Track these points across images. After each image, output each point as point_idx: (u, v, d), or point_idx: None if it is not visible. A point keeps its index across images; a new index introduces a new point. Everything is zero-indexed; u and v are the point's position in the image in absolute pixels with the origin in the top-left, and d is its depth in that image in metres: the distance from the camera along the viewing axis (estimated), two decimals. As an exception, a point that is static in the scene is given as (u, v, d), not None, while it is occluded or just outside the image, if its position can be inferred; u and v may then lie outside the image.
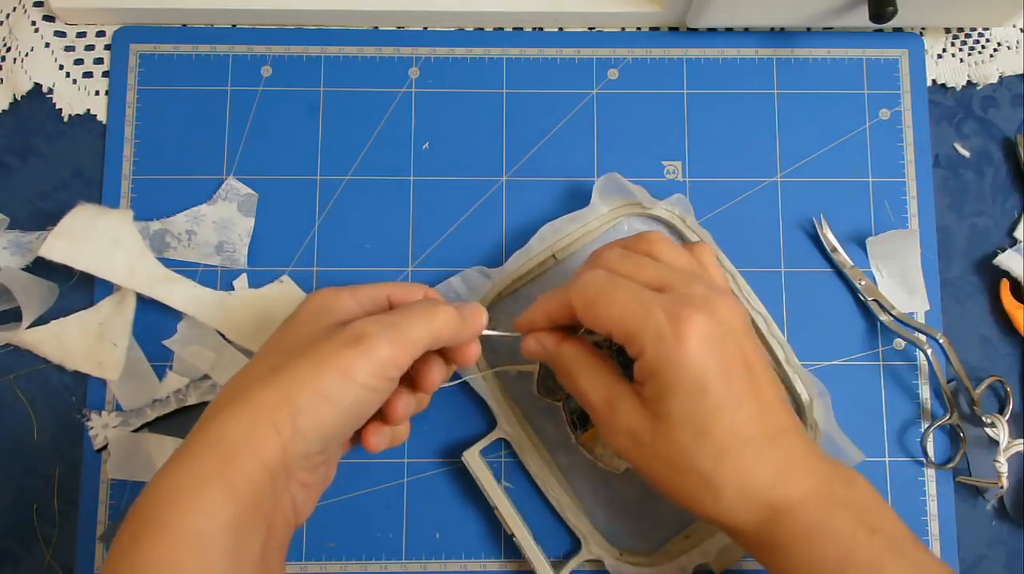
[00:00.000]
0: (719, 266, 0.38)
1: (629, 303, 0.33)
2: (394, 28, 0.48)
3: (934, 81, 0.48)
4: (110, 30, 0.48)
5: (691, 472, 0.33)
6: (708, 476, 0.32)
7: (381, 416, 0.36)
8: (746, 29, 0.49)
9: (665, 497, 0.35)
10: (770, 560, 0.33)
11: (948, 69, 0.48)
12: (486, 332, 0.38)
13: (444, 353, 0.37)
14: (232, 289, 0.45)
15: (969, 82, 0.48)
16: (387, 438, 0.37)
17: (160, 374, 0.45)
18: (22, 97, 0.47)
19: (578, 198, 0.46)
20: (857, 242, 0.46)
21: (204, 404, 0.44)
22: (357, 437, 0.37)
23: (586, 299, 0.34)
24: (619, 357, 0.38)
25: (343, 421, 0.32)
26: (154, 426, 0.44)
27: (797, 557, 0.32)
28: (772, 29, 0.49)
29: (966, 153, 0.48)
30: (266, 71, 0.47)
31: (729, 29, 0.49)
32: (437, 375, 0.37)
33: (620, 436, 0.34)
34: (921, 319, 0.46)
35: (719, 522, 0.33)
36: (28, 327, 0.44)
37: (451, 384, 0.42)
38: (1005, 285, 0.46)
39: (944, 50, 0.49)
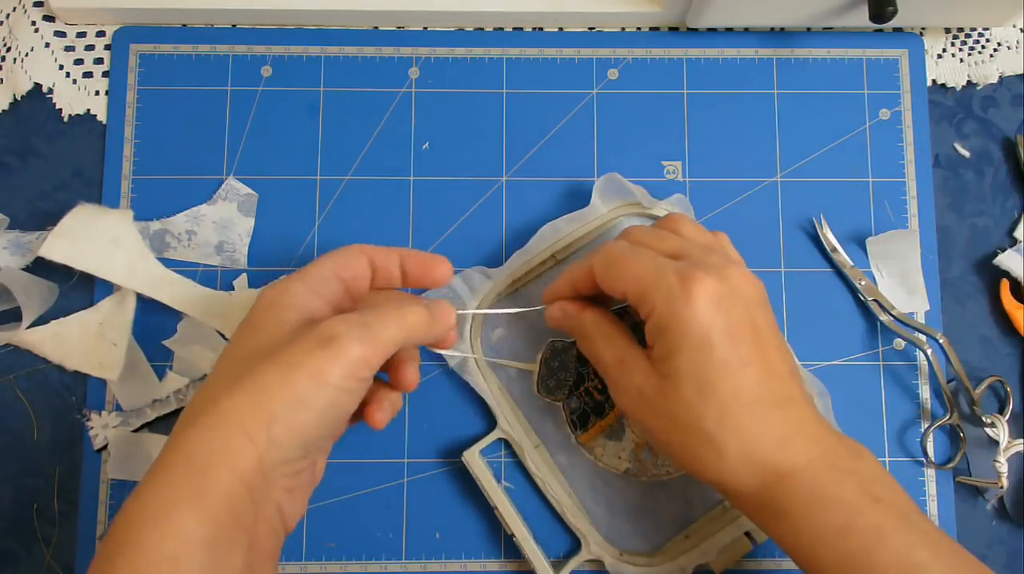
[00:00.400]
0: (736, 251, 0.39)
1: (645, 266, 0.34)
2: (394, 28, 0.48)
3: (934, 81, 0.48)
4: (110, 30, 0.48)
5: (695, 430, 0.33)
6: (711, 434, 0.32)
7: (359, 415, 0.37)
8: (746, 29, 0.49)
9: (669, 458, 0.35)
10: (771, 524, 0.33)
11: (948, 69, 0.48)
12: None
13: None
14: (232, 289, 0.45)
15: (969, 82, 0.48)
16: (389, 413, 0.37)
17: (160, 374, 0.45)
18: (22, 97, 0.47)
19: (578, 198, 0.46)
20: (857, 242, 0.46)
21: (204, 404, 0.44)
22: (356, 417, 0.37)
23: (605, 262, 0.36)
24: (635, 332, 0.38)
25: (320, 424, 0.32)
26: (154, 426, 0.44)
27: (799, 522, 0.32)
28: (772, 29, 0.49)
29: (966, 153, 0.48)
30: (266, 71, 0.47)
31: (729, 29, 0.49)
32: (412, 374, 0.37)
33: (629, 393, 0.35)
34: (921, 319, 0.46)
35: (721, 484, 0.33)
36: (28, 327, 0.44)
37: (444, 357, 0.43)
38: (1005, 285, 0.46)
39: (944, 50, 0.49)
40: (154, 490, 0.30)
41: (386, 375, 0.38)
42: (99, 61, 0.48)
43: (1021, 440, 0.43)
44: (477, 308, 0.44)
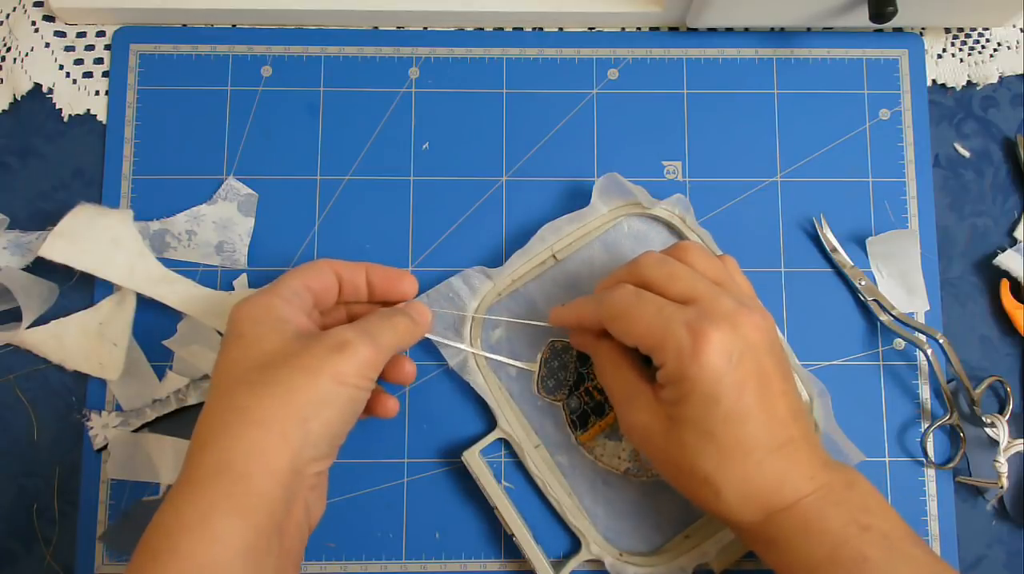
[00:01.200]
0: (744, 276, 0.39)
1: (653, 319, 0.35)
2: (394, 28, 0.48)
3: (934, 81, 0.48)
4: (110, 30, 0.48)
5: (694, 471, 0.35)
6: (709, 476, 0.34)
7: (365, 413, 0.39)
8: (746, 29, 0.49)
9: (675, 489, 0.37)
10: (766, 553, 0.35)
11: (948, 69, 0.48)
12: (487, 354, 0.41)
13: None
14: (232, 289, 0.45)
15: (969, 82, 0.48)
16: (395, 403, 0.41)
17: (160, 374, 0.45)
18: (22, 97, 0.47)
19: (578, 198, 0.46)
20: (857, 242, 0.46)
21: (203, 404, 0.44)
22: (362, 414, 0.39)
23: (612, 315, 0.36)
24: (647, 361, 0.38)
25: (343, 421, 0.35)
26: (154, 426, 0.44)
27: (791, 553, 0.34)
28: (772, 29, 0.49)
29: (966, 153, 0.48)
30: (266, 71, 0.47)
31: (729, 29, 0.49)
32: (409, 366, 0.41)
33: (635, 429, 0.37)
34: (921, 319, 0.46)
35: (719, 516, 0.35)
36: (28, 327, 0.44)
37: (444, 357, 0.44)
38: (1005, 285, 0.46)
39: (944, 50, 0.49)
40: (190, 498, 0.31)
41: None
42: (99, 61, 0.48)
43: (1021, 440, 0.43)
44: (477, 308, 0.44)
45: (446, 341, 0.43)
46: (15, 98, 0.47)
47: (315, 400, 0.33)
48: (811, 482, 0.34)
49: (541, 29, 0.49)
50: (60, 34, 0.48)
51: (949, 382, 0.44)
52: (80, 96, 0.47)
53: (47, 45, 0.48)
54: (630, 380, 0.37)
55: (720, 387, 0.33)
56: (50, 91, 0.47)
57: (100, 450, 0.44)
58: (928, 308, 0.45)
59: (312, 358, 0.34)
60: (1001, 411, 0.44)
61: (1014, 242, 0.47)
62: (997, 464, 0.43)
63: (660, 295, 0.36)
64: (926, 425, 0.45)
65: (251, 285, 0.45)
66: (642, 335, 0.35)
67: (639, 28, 0.49)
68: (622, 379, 0.38)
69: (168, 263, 0.45)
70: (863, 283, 0.45)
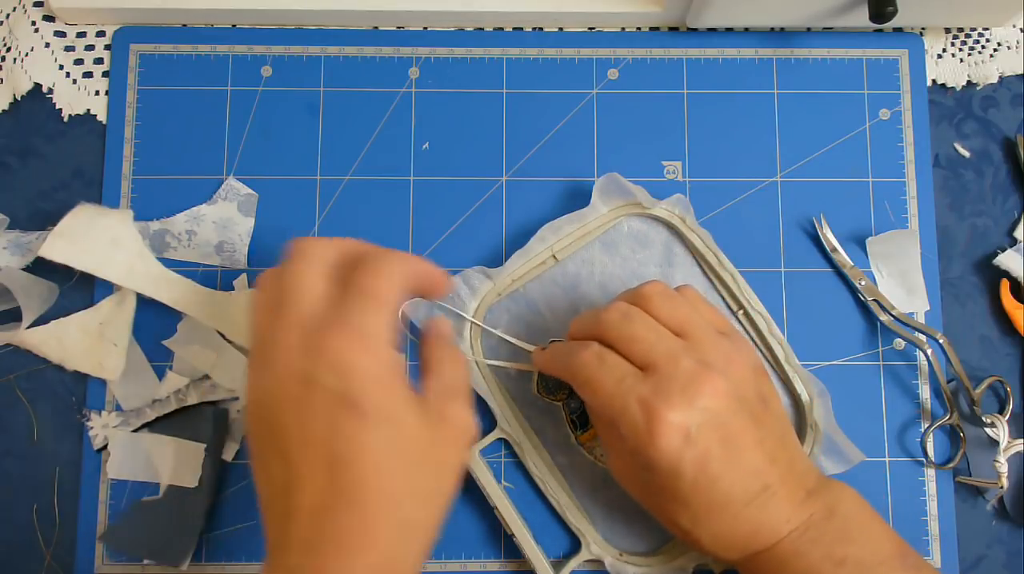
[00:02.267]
0: (709, 303, 0.39)
1: (611, 392, 0.34)
2: (394, 28, 0.48)
3: (934, 81, 0.48)
4: (110, 30, 0.48)
5: (674, 523, 0.36)
6: (687, 530, 0.36)
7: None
8: (746, 29, 0.49)
9: None
10: None
11: (948, 69, 0.48)
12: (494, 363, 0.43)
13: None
14: (232, 289, 0.45)
15: (969, 82, 0.48)
16: None
17: (160, 374, 0.45)
18: (22, 97, 0.47)
19: (578, 198, 0.46)
20: (857, 242, 0.46)
21: (204, 404, 0.44)
22: None
23: (576, 380, 0.36)
24: None
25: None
26: (154, 426, 0.44)
27: None
28: (772, 29, 0.49)
29: (966, 153, 0.48)
30: (266, 71, 0.47)
31: (729, 29, 0.49)
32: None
33: (616, 473, 0.39)
34: (921, 319, 0.46)
35: (706, 555, 0.38)
36: (28, 327, 0.44)
37: None
38: (1005, 285, 0.46)
39: (944, 50, 0.49)
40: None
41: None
42: (99, 61, 0.48)
43: (1021, 440, 0.43)
44: (477, 308, 0.44)
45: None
46: (15, 98, 0.47)
47: (451, 500, 0.33)
48: (787, 524, 0.35)
49: (541, 29, 0.49)
50: (60, 34, 0.48)
51: (949, 382, 0.44)
52: (80, 96, 0.47)
53: (47, 45, 0.48)
54: (610, 431, 0.37)
55: (681, 464, 0.33)
56: (50, 91, 0.47)
57: (100, 450, 0.44)
58: (928, 308, 0.45)
59: (450, 452, 0.33)
60: (1001, 411, 0.44)
61: (1014, 242, 0.47)
62: (997, 464, 0.43)
63: (622, 354, 0.35)
64: (926, 425, 0.45)
65: (251, 285, 0.45)
66: (602, 406, 0.35)
67: (639, 28, 0.49)
68: (601, 426, 0.38)
69: (168, 263, 0.45)
70: (863, 283, 0.45)
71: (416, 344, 0.44)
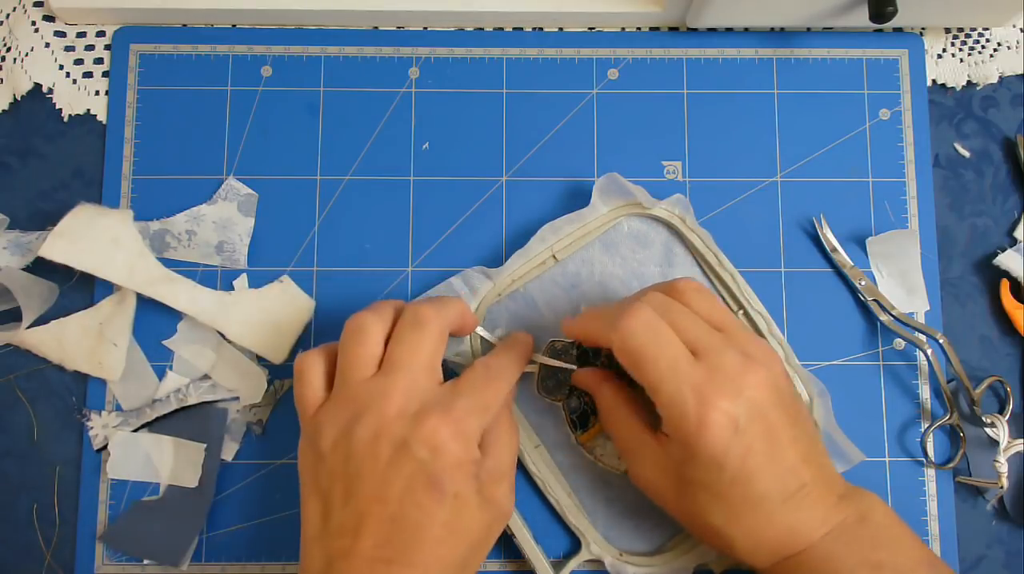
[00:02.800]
0: (723, 307, 0.38)
1: (663, 372, 0.34)
2: (394, 28, 0.48)
3: (934, 81, 0.48)
4: (110, 30, 0.48)
5: (706, 526, 0.35)
6: (721, 530, 0.35)
7: None
8: (746, 29, 0.49)
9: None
10: None
11: (948, 69, 0.48)
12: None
13: None
14: (232, 289, 0.45)
15: (969, 82, 0.48)
16: None
17: (160, 374, 0.45)
18: (22, 97, 0.47)
19: (578, 198, 0.46)
20: (857, 242, 0.46)
21: (204, 404, 0.44)
22: None
23: (627, 352, 0.35)
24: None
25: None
26: (154, 426, 0.44)
27: None
28: (772, 29, 0.49)
29: (966, 153, 0.48)
30: (266, 71, 0.47)
31: (729, 29, 0.49)
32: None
33: (641, 482, 0.38)
34: (921, 319, 0.46)
35: (734, 560, 0.36)
36: (28, 327, 0.44)
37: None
38: (1005, 285, 0.46)
39: (944, 50, 0.49)
40: None
41: None
42: (99, 61, 0.48)
43: (1021, 440, 0.43)
44: (477, 309, 0.44)
45: (458, 359, 0.43)
46: (15, 98, 0.47)
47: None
48: (823, 526, 0.34)
49: (541, 29, 0.49)
50: (60, 34, 0.48)
51: (949, 382, 0.44)
52: (80, 96, 0.47)
53: (47, 45, 0.48)
54: (635, 432, 0.37)
55: (726, 457, 0.33)
56: (50, 91, 0.47)
57: (100, 450, 0.44)
58: (928, 308, 0.45)
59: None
60: (1001, 411, 0.44)
61: (1014, 242, 0.47)
62: (997, 464, 0.43)
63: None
64: (926, 425, 0.45)
65: (251, 285, 0.45)
66: (652, 383, 0.34)
67: (639, 28, 0.49)
68: (627, 429, 0.38)
69: (168, 263, 0.45)
70: (863, 283, 0.45)
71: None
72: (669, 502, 0.37)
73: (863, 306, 0.46)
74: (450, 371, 0.44)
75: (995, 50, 0.49)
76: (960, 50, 0.49)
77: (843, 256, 0.46)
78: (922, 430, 0.45)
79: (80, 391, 0.45)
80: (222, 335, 0.44)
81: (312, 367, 0.36)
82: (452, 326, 0.38)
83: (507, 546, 0.44)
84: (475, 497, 0.34)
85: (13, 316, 0.45)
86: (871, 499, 0.35)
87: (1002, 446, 0.43)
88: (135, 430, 0.44)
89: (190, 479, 0.43)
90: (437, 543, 0.33)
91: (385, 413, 0.34)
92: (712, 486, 0.34)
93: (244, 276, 0.46)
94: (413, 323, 0.36)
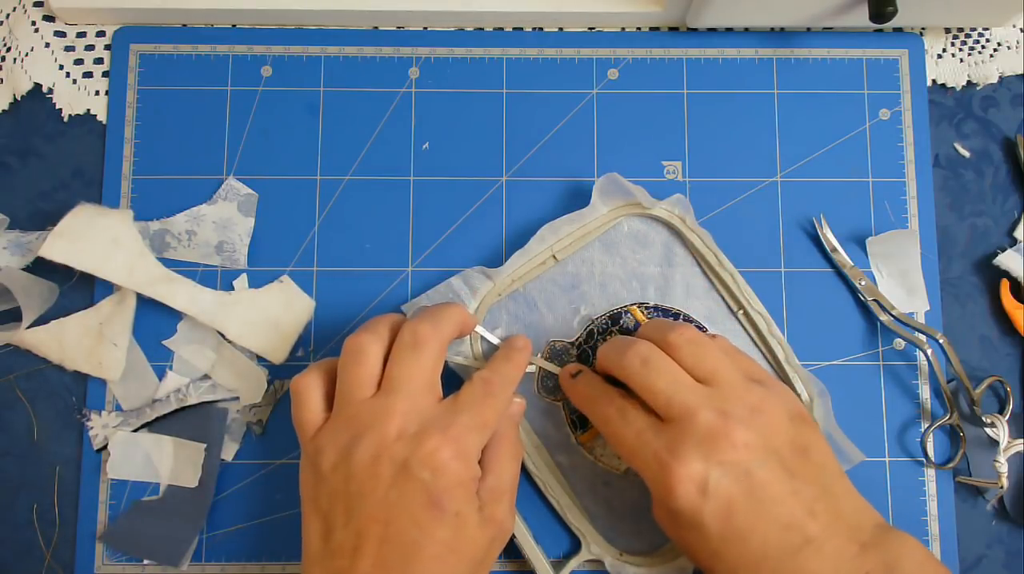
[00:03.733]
0: (743, 353, 0.39)
1: (631, 446, 0.35)
2: (394, 28, 0.48)
3: (934, 81, 0.48)
4: (110, 30, 0.48)
5: (714, 572, 0.35)
6: None
7: None
8: (746, 29, 0.49)
9: None
10: None
11: (948, 69, 0.48)
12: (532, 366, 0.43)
13: None
14: (232, 289, 0.45)
15: (969, 82, 0.48)
16: None
17: (160, 374, 0.45)
18: (22, 97, 0.47)
19: (578, 198, 0.46)
20: (857, 242, 0.46)
21: (204, 404, 0.44)
22: None
23: (603, 432, 0.37)
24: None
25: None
26: (154, 426, 0.44)
27: None
28: (772, 29, 0.49)
29: (966, 153, 0.48)
30: (266, 71, 0.47)
31: (729, 29, 0.49)
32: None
33: (655, 519, 0.37)
34: (921, 319, 0.46)
35: None
36: (28, 327, 0.44)
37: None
38: (1005, 285, 0.46)
39: (944, 50, 0.49)
40: None
41: None
42: (99, 61, 0.48)
43: (1021, 440, 0.43)
44: (477, 309, 0.44)
45: (458, 359, 0.43)
46: (15, 98, 0.47)
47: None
48: None
49: (541, 29, 0.49)
50: (60, 34, 0.48)
51: (949, 382, 0.44)
52: (80, 96, 0.47)
53: (47, 45, 0.48)
54: (643, 477, 0.37)
55: (702, 517, 0.33)
56: (50, 91, 0.47)
57: (100, 450, 0.44)
58: (928, 308, 0.45)
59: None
60: (1001, 411, 0.44)
61: (1014, 242, 0.47)
62: (997, 464, 0.43)
63: (647, 400, 0.36)
64: (926, 425, 0.45)
65: (251, 285, 0.45)
66: (625, 457, 0.36)
67: (639, 28, 0.49)
68: (638, 464, 0.37)
69: (168, 263, 0.45)
70: (863, 283, 0.45)
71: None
72: (677, 542, 0.37)
73: (863, 306, 0.46)
74: (450, 371, 0.44)
75: (995, 50, 0.49)
76: (960, 50, 0.49)
77: (843, 256, 0.46)
78: (922, 430, 0.45)
79: (80, 391, 0.45)
80: (222, 335, 0.44)
81: (309, 389, 0.36)
82: (451, 338, 0.38)
83: (507, 546, 0.44)
84: (475, 515, 0.34)
85: (13, 316, 0.45)
86: (902, 545, 0.33)
87: (1002, 446, 0.43)
88: (135, 430, 0.44)
89: (190, 479, 0.43)
90: (437, 562, 0.33)
91: (385, 434, 0.34)
92: (704, 544, 0.34)
93: (244, 276, 0.46)
94: (411, 344, 0.36)
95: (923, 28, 0.49)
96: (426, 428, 0.34)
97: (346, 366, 0.36)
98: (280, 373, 0.45)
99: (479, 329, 0.43)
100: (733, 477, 0.33)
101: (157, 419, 0.44)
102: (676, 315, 0.44)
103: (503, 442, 0.38)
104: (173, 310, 0.44)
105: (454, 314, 0.38)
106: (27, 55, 0.47)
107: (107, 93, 0.47)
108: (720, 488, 0.33)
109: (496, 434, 0.38)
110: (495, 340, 0.43)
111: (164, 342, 0.45)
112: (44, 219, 0.46)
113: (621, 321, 0.44)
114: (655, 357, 0.36)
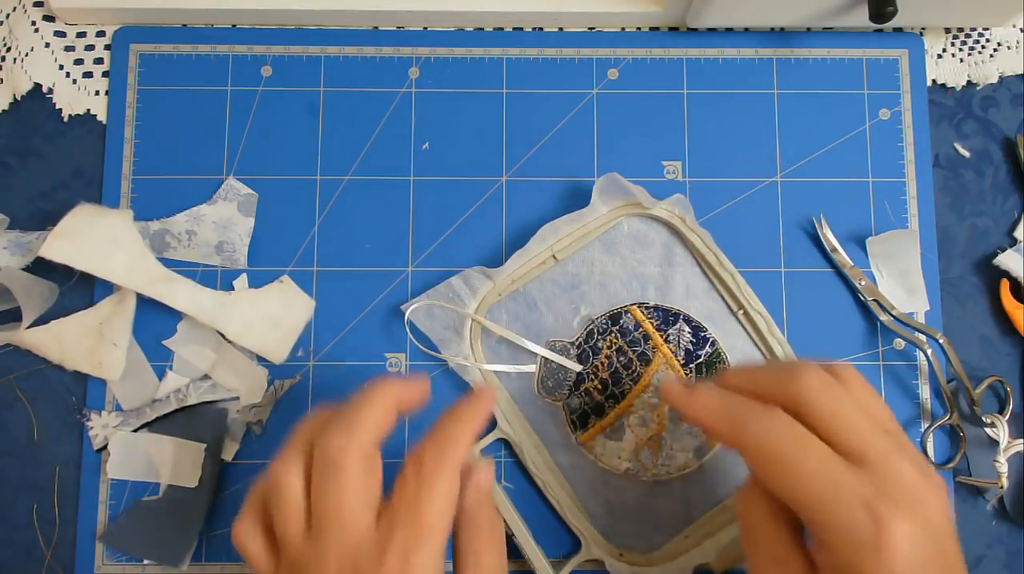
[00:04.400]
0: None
1: (816, 477, 0.29)
2: (394, 28, 0.48)
3: (934, 81, 0.48)
4: (110, 30, 0.48)
5: None
6: None
7: None
8: (746, 29, 0.49)
9: None
10: None
11: (948, 69, 0.48)
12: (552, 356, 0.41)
13: None
14: (232, 289, 0.45)
15: (969, 82, 0.48)
16: None
17: (160, 374, 0.45)
18: (22, 97, 0.47)
19: (578, 198, 0.46)
20: (857, 242, 0.46)
21: (204, 404, 0.44)
22: None
23: (759, 454, 0.30)
24: None
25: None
26: (154, 426, 0.44)
27: None
28: (772, 29, 0.49)
29: (966, 153, 0.48)
30: (266, 71, 0.47)
31: (729, 29, 0.49)
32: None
33: None
34: (921, 319, 0.46)
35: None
36: (28, 327, 0.44)
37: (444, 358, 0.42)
38: (1005, 285, 0.46)
39: (944, 50, 0.49)
40: None
41: None
42: (99, 61, 0.48)
43: (1021, 440, 0.43)
44: (477, 308, 0.44)
45: (458, 359, 0.43)
46: (15, 98, 0.47)
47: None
48: None
49: (541, 29, 0.49)
50: (60, 34, 0.48)
51: (949, 382, 0.44)
52: (80, 96, 0.47)
53: (47, 45, 0.48)
54: (781, 554, 0.31)
55: None
56: (50, 91, 0.47)
57: (100, 450, 0.44)
58: (928, 308, 0.45)
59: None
60: (1001, 411, 0.44)
61: (1014, 242, 0.47)
62: (997, 464, 0.43)
63: (821, 434, 0.30)
64: (926, 425, 0.45)
65: (251, 285, 0.45)
66: (801, 499, 0.29)
67: (639, 28, 0.49)
68: (770, 563, 0.31)
69: (168, 263, 0.45)
70: (863, 283, 0.45)
71: (416, 347, 0.44)
72: None
73: (863, 306, 0.46)
74: (452, 373, 0.44)
75: (995, 50, 0.49)
76: (960, 50, 0.49)
77: (843, 256, 0.46)
78: (922, 430, 0.45)
79: (80, 391, 0.45)
80: (222, 335, 0.44)
81: (249, 543, 0.33)
82: (375, 441, 0.33)
83: (507, 546, 0.44)
84: None
85: (13, 316, 0.45)
86: None
87: (1002, 446, 0.43)
88: (135, 430, 0.44)
89: (190, 479, 0.43)
90: None
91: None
92: None
93: (244, 276, 0.46)
94: (326, 468, 0.32)
95: (923, 28, 0.49)
96: (361, 567, 0.30)
97: (271, 505, 0.33)
98: (280, 373, 0.45)
99: (485, 321, 0.42)
100: (936, 546, 0.28)
101: (157, 419, 0.44)
102: (676, 315, 0.44)
103: (477, 529, 0.34)
104: (173, 310, 0.44)
105: (372, 409, 0.33)
106: (27, 55, 0.47)
107: (107, 93, 0.47)
108: (928, 552, 0.28)
109: (467, 519, 0.34)
110: (503, 333, 0.43)
111: (164, 342, 0.45)
112: (44, 219, 0.46)
113: (621, 321, 0.44)
114: (836, 383, 0.31)
